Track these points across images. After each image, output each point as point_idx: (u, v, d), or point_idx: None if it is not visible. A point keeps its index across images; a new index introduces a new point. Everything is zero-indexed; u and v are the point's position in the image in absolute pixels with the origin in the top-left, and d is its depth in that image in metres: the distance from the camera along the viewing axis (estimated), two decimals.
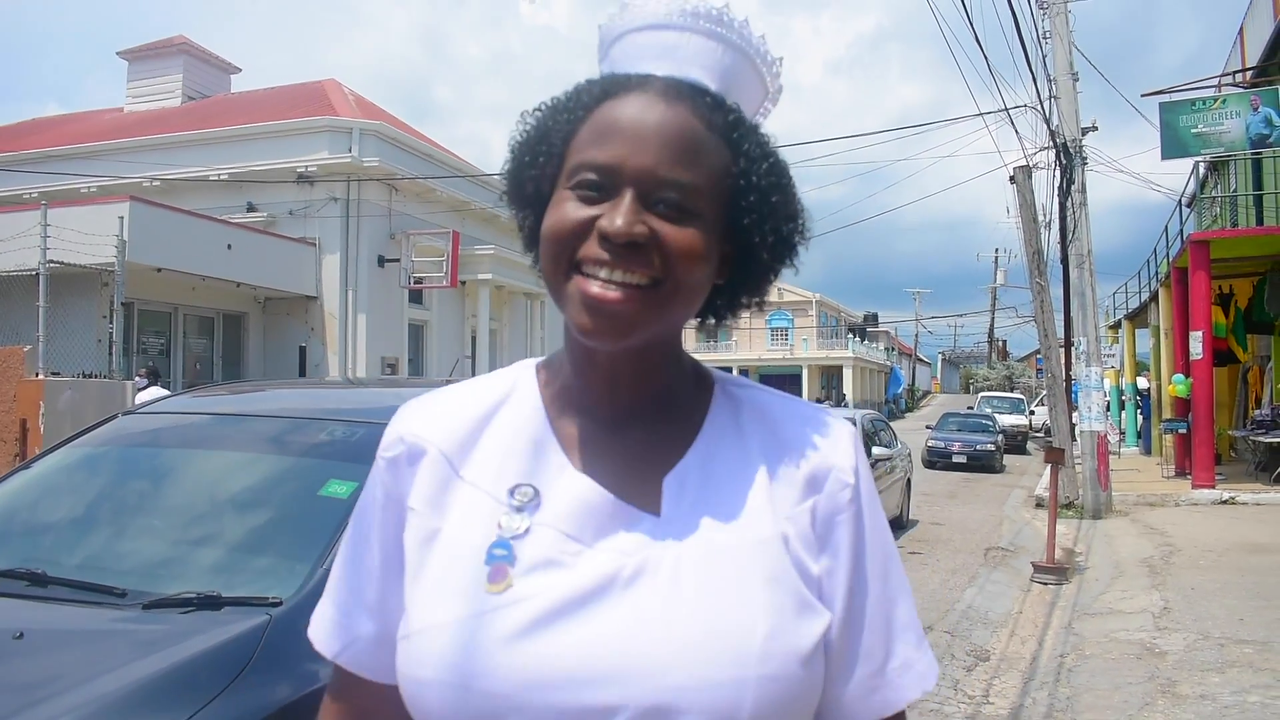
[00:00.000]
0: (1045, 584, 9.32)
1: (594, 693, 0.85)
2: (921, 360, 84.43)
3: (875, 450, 11.80)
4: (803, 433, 1.00)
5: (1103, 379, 15.36)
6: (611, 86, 0.96)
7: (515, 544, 0.92)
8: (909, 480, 13.64)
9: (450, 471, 0.98)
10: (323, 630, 1.04)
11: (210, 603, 2.54)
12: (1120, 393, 30.31)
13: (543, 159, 0.97)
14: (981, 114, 20.83)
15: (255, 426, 3.48)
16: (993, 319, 62.82)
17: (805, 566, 0.93)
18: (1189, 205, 20.11)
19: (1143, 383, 27.44)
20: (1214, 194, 22.75)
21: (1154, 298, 23.20)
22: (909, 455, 14.01)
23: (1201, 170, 22.20)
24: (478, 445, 0.99)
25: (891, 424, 14.77)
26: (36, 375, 11.66)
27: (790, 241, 1.01)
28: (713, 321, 1.07)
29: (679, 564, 0.90)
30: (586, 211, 0.91)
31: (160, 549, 2.96)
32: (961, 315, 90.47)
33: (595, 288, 0.90)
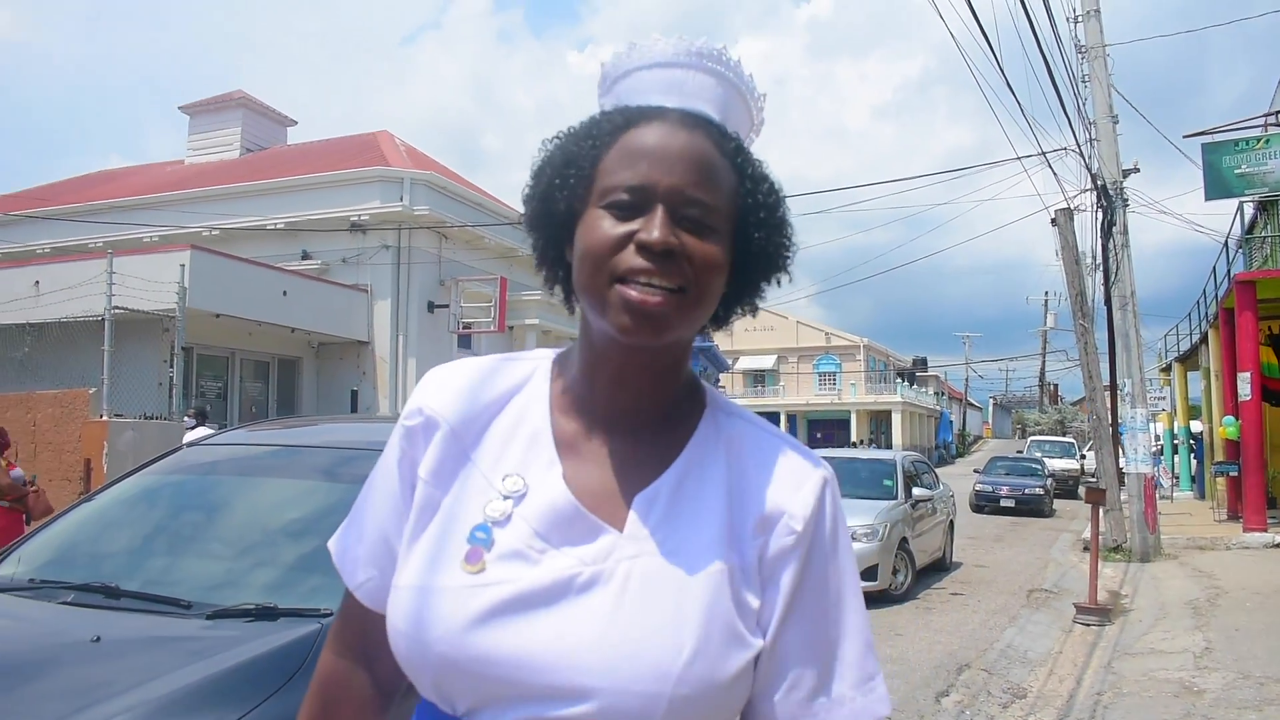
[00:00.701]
0: (1088, 625, 9.29)
1: (531, 677, 0.97)
2: (972, 405, 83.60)
3: (916, 491, 11.84)
4: (770, 475, 1.08)
5: (1149, 421, 15.26)
6: (634, 116, 1.07)
7: (495, 530, 1.03)
8: (952, 522, 13.61)
9: (458, 449, 1.09)
10: (345, 559, 1.20)
11: (267, 613, 2.77)
12: (1173, 436, 29.94)
13: (573, 180, 1.06)
14: (1019, 158, 20.95)
15: (307, 457, 3.73)
16: (1043, 363, 62.23)
17: (745, 600, 1.03)
18: (1239, 246, 19.98)
19: (1196, 426, 27.10)
20: (1264, 234, 22.56)
21: (1204, 339, 22.99)
22: (952, 498, 13.99)
23: (1249, 211, 22.04)
24: (487, 429, 1.11)
25: (941, 469, 14.78)
26: (101, 417, 12.11)
27: (785, 253, 1.13)
28: (710, 326, 1.15)
29: (628, 581, 1.00)
30: (623, 228, 1.02)
31: (221, 567, 3.20)
32: (1012, 359, 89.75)
33: (636, 293, 0.99)
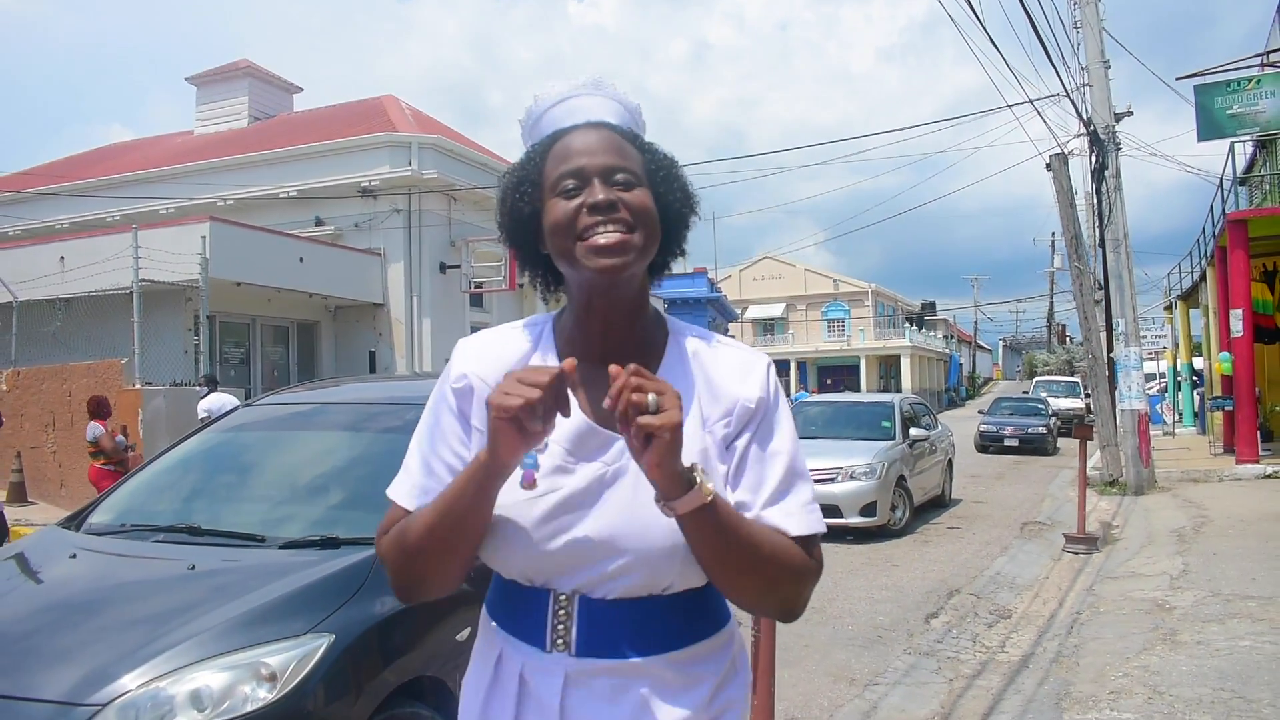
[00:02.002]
0: (1076, 553, 9.80)
1: (584, 552, 1.37)
2: (982, 347, 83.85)
3: (913, 431, 12.35)
4: (726, 374, 1.46)
5: (1142, 359, 15.71)
6: (556, 135, 1.46)
7: (539, 456, 1.38)
8: (950, 461, 14.14)
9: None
10: (401, 492, 1.49)
11: (330, 543, 3.33)
12: (1176, 374, 30.30)
13: (529, 191, 1.44)
14: (1010, 105, 21.07)
15: (354, 411, 4.28)
16: (1051, 303, 62.31)
17: (718, 467, 1.41)
18: (1232, 185, 20.25)
19: (1199, 363, 27.45)
20: (1262, 173, 22.81)
21: (1203, 277, 23.31)
22: (950, 438, 14.51)
23: (1249, 150, 22.26)
24: None
25: (950, 411, 15.13)
26: (134, 385, 12.68)
27: (690, 199, 1.50)
28: (657, 274, 1.52)
29: (639, 472, 1.30)
30: (574, 202, 1.38)
31: (285, 507, 3.76)
32: (1021, 301, 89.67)
33: (600, 239, 1.36)
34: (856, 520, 10.62)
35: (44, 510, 12.37)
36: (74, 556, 3.47)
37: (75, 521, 3.98)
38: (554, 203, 1.40)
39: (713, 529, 1.31)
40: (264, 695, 2.69)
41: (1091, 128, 15.20)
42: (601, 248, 1.36)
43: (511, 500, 1.38)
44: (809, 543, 1.43)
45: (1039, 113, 15.83)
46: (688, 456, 1.29)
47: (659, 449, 1.21)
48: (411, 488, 1.49)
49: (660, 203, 1.45)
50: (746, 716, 1.55)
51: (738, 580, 1.39)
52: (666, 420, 1.20)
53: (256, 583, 3.05)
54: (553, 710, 1.41)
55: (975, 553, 9.97)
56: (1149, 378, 29.80)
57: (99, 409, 9.94)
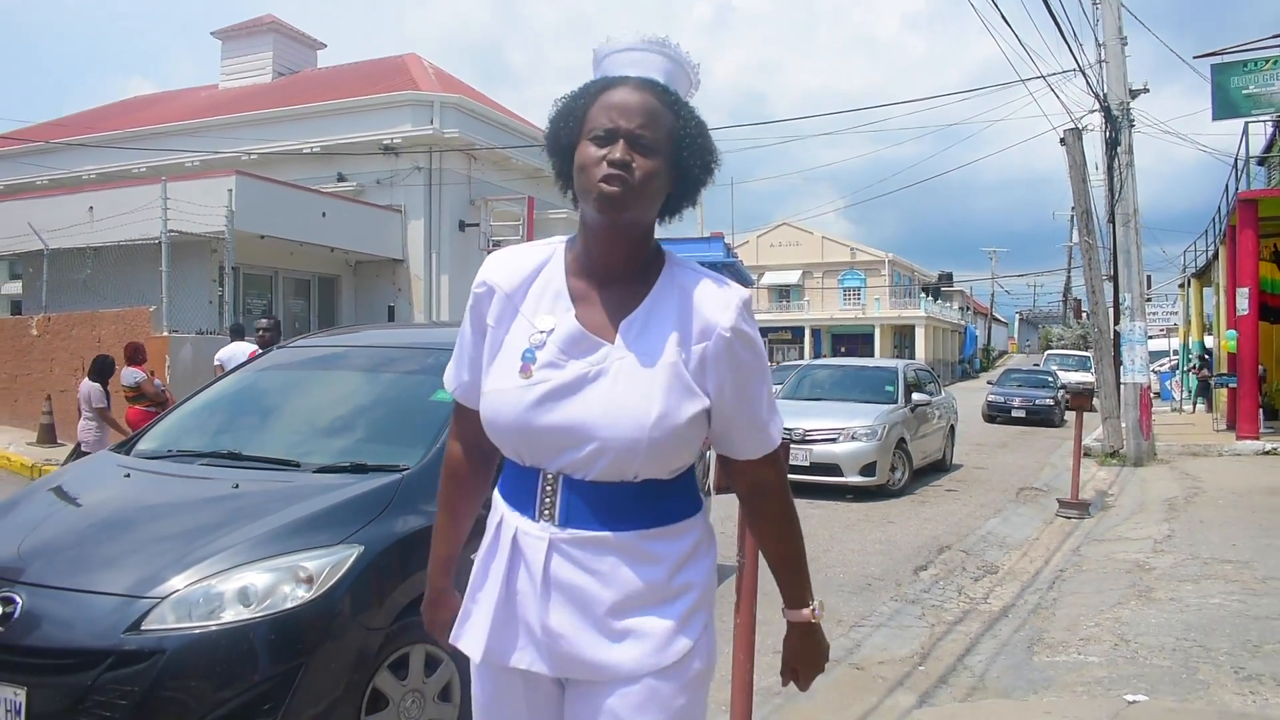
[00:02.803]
0: (1068, 518, 10.12)
1: (570, 434, 1.67)
2: (998, 320, 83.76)
3: (916, 396, 12.69)
4: (707, 303, 1.72)
5: (1146, 334, 15.95)
6: (609, 83, 1.73)
7: (536, 351, 1.71)
8: (952, 427, 14.48)
9: (511, 306, 1.77)
10: (448, 378, 1.92)
11: (360, 468, 3.70)
12: (1189, 351, 30.45)
13: (572, 124, 1.72)
14: (1023, 80, 21.16)
15: (377, 354, 4.65)
16: (1068, 277, 62.14)
17: (689, 382, 1.69)
18: (1260, 164, 20.30)
19: (1210, 340, 27.58)
20: None
21: (1215, 256, 23.44)
22: (954, 405, 14.86)
23: (1269, 130, 22.29)
24: (528, 290, 1.77)
25: (964, 383, 15.42)
26: (162, 333, 13.10)
27: (709, 166, 1.77)
28: (668, 218, 1.82)
29: (619, 372, 1.67)
30: (600, 151, 1.67)
31: (319, 437, 4.13)
32: (1038, 274, 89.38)
33: (606, 188, 1.64)
34: (856, 479, 11.00)
35: None
36: (128, 476, 3.86)
37: (124, 448, 4.36)
38: (585, 145, 1.70)
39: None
40: (302, 594, 3.07)
41: (1106, 103, 15.35)
42: (606, 196, 1.66)
43: (511, 385, 1.72)
44: (780, 456, 1.84)
45: (1052, 89, 16.01)
46: (663, 370, 1.68)
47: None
48: (451, 377, 1.93)
49: (680, 165, 1.74)
50: (707, 601, 1.84)
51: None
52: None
53: (294, 500, 3.43)
54: (537, 569, 1.72)
55: (970, 514, 10.32)
56: (1160, 355, 30.02)
57: (136, 354, 10.32)
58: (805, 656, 1.90)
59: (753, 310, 1.79)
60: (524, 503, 1.76)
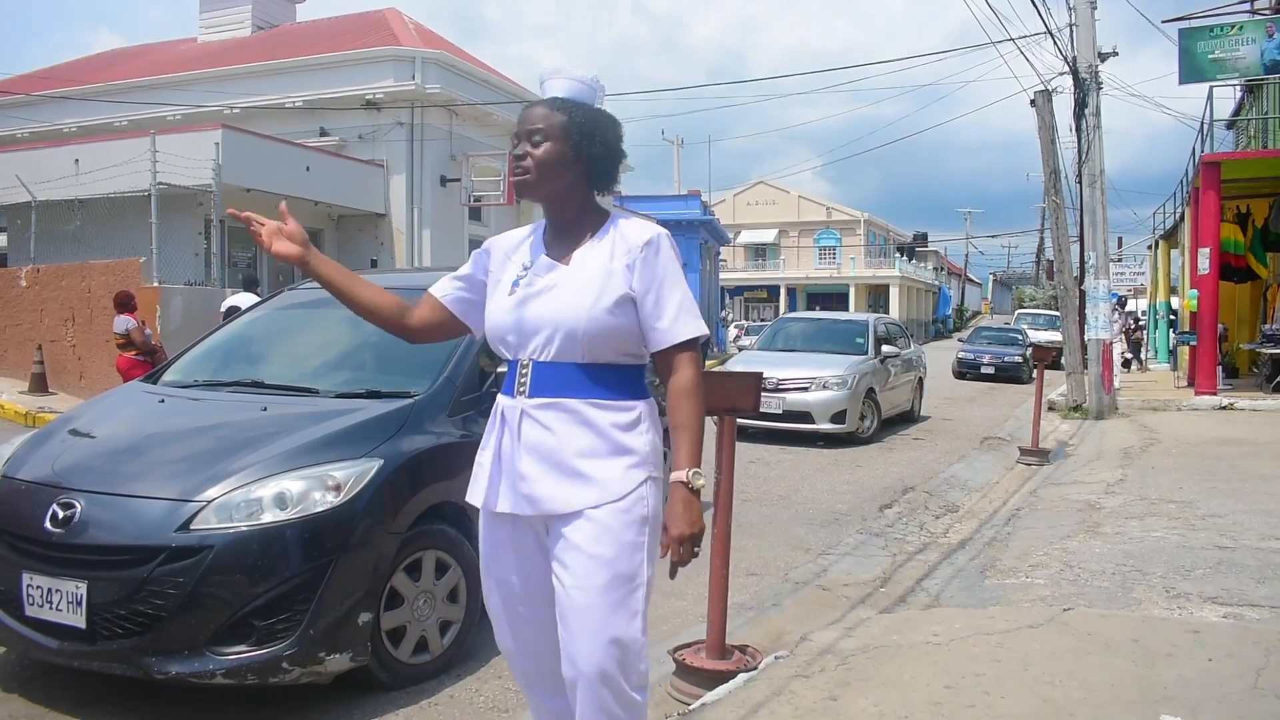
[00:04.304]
0: (1028, 465, 10.59)
1: (536, 323, 2.28)
2: (972, 280, 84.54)
3: (885, 349, 13.19)
4: (632, 233, 2.33)
5: (1110, 292, 16.45)
6: (528, 105, 2.38)
7: (520, 280, 2.36)
8: (921, 380, 15.00)
9: (504, 258, 2.46)
10: (440, 289, 2.52)
11: (374, 394, 4.11)
12: (1155, 312, 31.09)
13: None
14: (994, 43, 21.55)
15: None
16: (1041, 238, 62.74)
17: (620, 283, 2.28)
18: (1229, 128, 20.76)
19: (1175, 301, 28.18)
20: (1249, 116, 23.38)
21: (1182, 218, 23.97)
22: (921, 358, 15.39)
23: (1239, 94, 22.78)
24: (516, 250, 2.45)
25: (937, 341, 15.82)
26: (153, 284, 13.36)
27: (609, 143, 2.36)
28: (600, 189, 2.41)
29: (569, 282, 2.30)
30: (514, 150, 2.34)
31: (333, 368, 4.52)
32: (1012, 235, 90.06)
33: (514, 176, 2.34)
34: (827, 426, 11.48)
35: (65, 400, 13.10)
36: (163, 401, 4.24)
37: (150, 380, 4.74)
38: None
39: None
40: (331, 500, 3.48)
41: (1075, 66, 15.73)
42: (516, 184, 2.37)
43: (504, 300, 2.37)
44: (693, 343, 2.33)
45: (1022, 52, 16.32)
46: (597, 277, 2.29)
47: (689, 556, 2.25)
48: (440, 284, 2.55)
49: (579, 150, 2.32)
50: (650, 464, 2.33)
51: None
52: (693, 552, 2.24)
53: (319, 420, 3.83)
54: (514, 431, 2.31)
55: (935, 459, 10.83)
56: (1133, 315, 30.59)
57: (126, 302, 10.62)
58: (675, 516, 2.23)
59: (671, 243, 2.38)
60: (509, 386, 2.36)
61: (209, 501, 3.40)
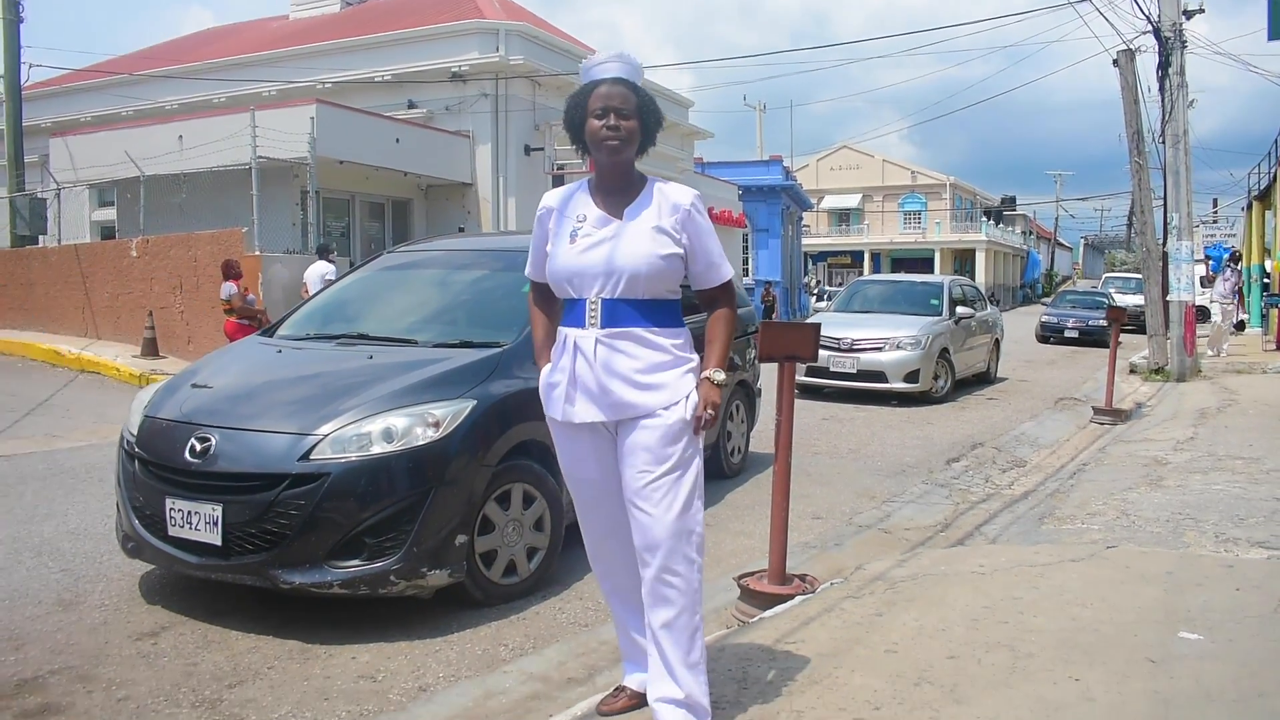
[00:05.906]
0: (1101, 424, 10.72)
1: (601, 268, 2.81)
2: (1062, 245, 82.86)
3: (960, 310, 13.37)
4: (674, 194, 2.88)
5: (1193, 253, 16.28)
6: (597, 83, 2.84)
7: (578, 231, 2.87)
8: (997, 341, 15.13)
9: (560, 214, 2.95)
10: (528, 268, 3.08)
11: (467, 344, 4.57)
12: (1250, 274, 30.37)
13: (580, 110, 2.86)
14: (1072, 3, 21.09)
15: (475, 255, 5.51)
16: (1133, 200, 61.36)
17: (669, 237, 2.84)
18: None
19: (1269, 264, 27.52)
20: None
21: (1276, 179, 23.42)
22: (998, 320, 15.50)
23: None
24: (568, 204, 2.95)
25: (1024, 307, 15.64)
26: (255, 252, 14.09)
27: (659, 120, 2.91)
28: (641, 154, 2.92)
29: (624, 234, 2.83)
30: (600, 122, 2.81)
31: (432, 323, 5.00)
32: (1103, 198, 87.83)
33: (608, 143, 2.81)
34: (900, 386, 11.77)
35: (174, 363, 13.90)
36: (280, 352, 4.76)
37: (267, 334, 5.27)
38: (590, 120, 2.83)
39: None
40: (432, 434, 3.95)
41: (1158, 24, 15.55)
42: (611, 147, 2.82)
43: (565, 249, 2.86)
44: (728, 283, 2.96)
45: (1099, 10, 16.18)
46: (649, 231, 2.81)
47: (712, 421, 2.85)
48: (529, 266, 3.09)
49: (643, 123, 2.84)
50: (694, 378, 2.88)
51: None
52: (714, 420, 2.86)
53: (419, 366, 4.31)
54: (591, 356, 2.80)
55: (1006, 418, 11.02)
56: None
57: (230, 270, 11.29)
58: (701, 397, 2.82)
59: (703, 201, 2.96)
60: (578, 320, 2.85)
61: (325, 435, 3.90)
